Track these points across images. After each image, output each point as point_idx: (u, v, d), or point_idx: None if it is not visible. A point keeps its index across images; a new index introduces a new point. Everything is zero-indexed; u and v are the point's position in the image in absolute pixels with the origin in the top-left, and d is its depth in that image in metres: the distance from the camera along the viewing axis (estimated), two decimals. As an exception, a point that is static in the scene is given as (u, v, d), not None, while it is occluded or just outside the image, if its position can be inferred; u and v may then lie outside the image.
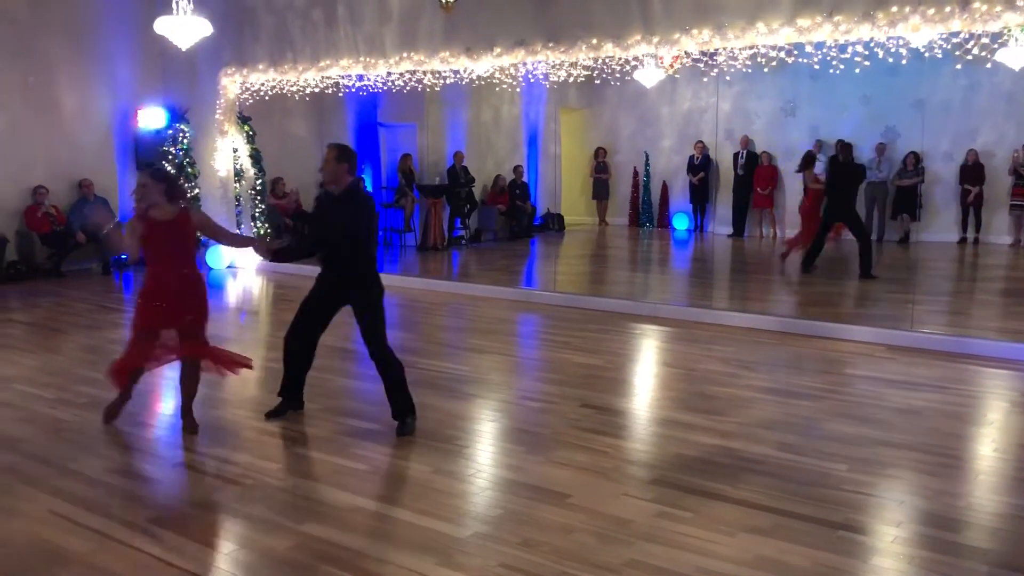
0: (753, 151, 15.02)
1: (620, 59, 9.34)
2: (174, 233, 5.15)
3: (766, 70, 8.68)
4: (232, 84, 12.26)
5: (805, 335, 7.98)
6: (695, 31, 8.27)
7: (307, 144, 13.68)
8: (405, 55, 10.40)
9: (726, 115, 15.44)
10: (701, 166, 15.43)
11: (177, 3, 9.22)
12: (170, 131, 12.46)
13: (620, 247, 15.98)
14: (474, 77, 10.56)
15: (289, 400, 5.62)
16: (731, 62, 8.70)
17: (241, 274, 12.24)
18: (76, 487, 4.49)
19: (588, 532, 3.90)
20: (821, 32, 7.64)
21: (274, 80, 11.79)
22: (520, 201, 15.64)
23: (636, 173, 16.78)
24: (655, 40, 8.56)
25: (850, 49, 7.83)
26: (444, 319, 9.43)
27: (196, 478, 4.62)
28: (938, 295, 10.06)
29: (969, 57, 7.53)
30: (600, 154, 16.85)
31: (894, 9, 7.21)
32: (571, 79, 10.24)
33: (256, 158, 12.65)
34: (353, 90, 11.74)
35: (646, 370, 7.36)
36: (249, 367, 5.50)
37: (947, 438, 5.23)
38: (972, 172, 13.38)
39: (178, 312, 5.17)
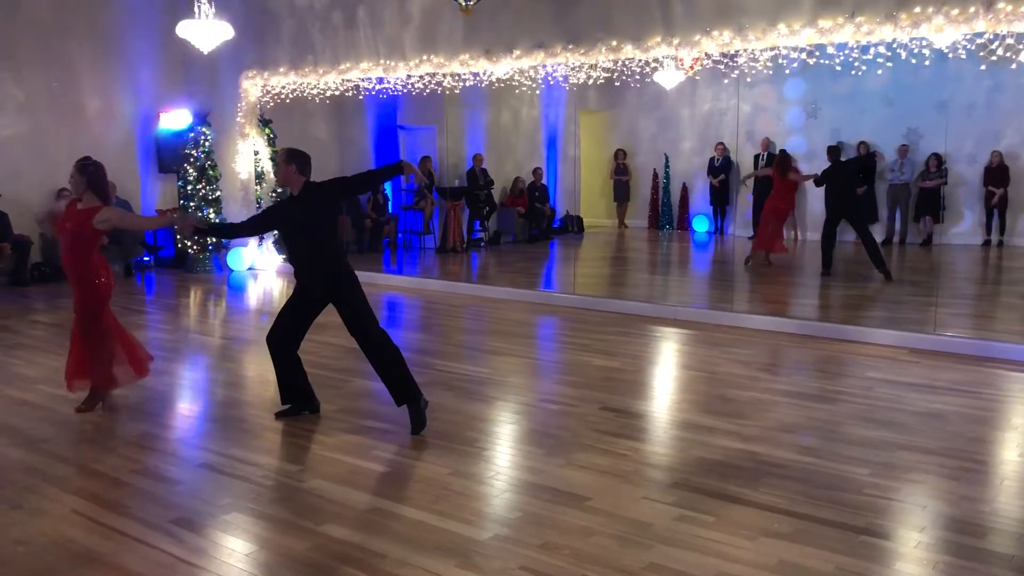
0: (774, 153, 14.92)
1: (640, 61, 9.33)
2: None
3: (787, 71, 8.62)
4: (253, 87, 12.35)
5: (827, 338, 7.93)
6: (715, 32, 8.24)
7: (327, 147, 13.73)
8: (425, 58, 10.44)
9: (746, 116, 15.37)
10: (721, 168, 15.38)
11: (199, 7, 9.31)
12: (192, 134, 12.57)
13: (640, 249, 15.93)
14: (494, 79, 10.58)
15: (296, 405, 5.64)
16: (752, 63, 8.66)
17: (261, 276, 12.32)
18: (99, 487, 4.53)
19: (608, 535, 3.89)
20: (843, 33, 7.58)
21: (295, 83, 11.86)
22: (539, 203, 15.65)
23: (656, 175, 16.74)
24: (675, 42, 8.54)
25: (872, 50, 7.77)
26: (463, 321, 9.44)
27: (217, 479, 4.65)
28: (961, 298, 9.94)
29: (993, 58, 7.42)
30: (620, 156, 16.82)
31: (917, 10, 7.14)
32: (591, 81, 10.22)
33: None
34: (373, 93, 11.78)
35: (666, 373, 7.33)
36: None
37: (971, 442, 5.17)
38: (996, 174, 13.24)
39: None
